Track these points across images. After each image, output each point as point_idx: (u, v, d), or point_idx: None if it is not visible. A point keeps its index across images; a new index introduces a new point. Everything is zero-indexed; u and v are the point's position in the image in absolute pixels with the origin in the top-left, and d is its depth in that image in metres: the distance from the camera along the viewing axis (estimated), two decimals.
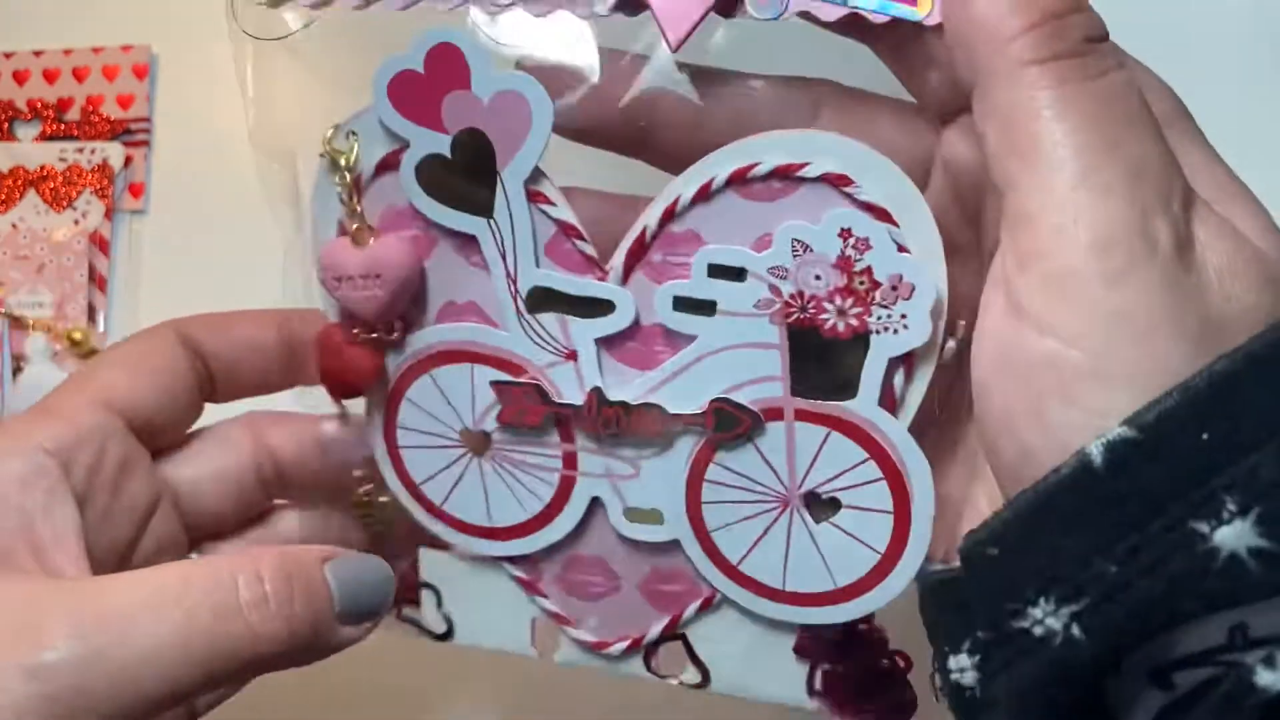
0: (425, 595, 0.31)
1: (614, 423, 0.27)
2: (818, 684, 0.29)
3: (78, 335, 0.45)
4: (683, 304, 0.26)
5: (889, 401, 0.25)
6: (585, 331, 0.27)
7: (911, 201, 0.24)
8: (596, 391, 0.27)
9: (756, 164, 0.24)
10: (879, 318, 0.25)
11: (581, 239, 0.26)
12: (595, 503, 0.29)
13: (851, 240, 0.24)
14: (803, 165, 0.24)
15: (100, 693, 0.22)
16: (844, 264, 0.24)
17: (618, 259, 0.26)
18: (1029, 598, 0.21)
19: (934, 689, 0.25)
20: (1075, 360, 0.20)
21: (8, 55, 0.48)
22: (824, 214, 0.24)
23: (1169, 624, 0.20)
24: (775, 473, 0.27)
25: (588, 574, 0.30)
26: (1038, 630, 0.21)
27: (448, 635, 0.31)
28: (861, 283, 0.24)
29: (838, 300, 0.25)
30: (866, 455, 0.26)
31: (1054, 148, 0.20)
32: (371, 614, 0.27)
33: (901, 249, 0.24)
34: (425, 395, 0.29)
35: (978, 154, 0.23)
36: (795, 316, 0.25)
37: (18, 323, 0.46)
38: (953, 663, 0.24)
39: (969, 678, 0.24)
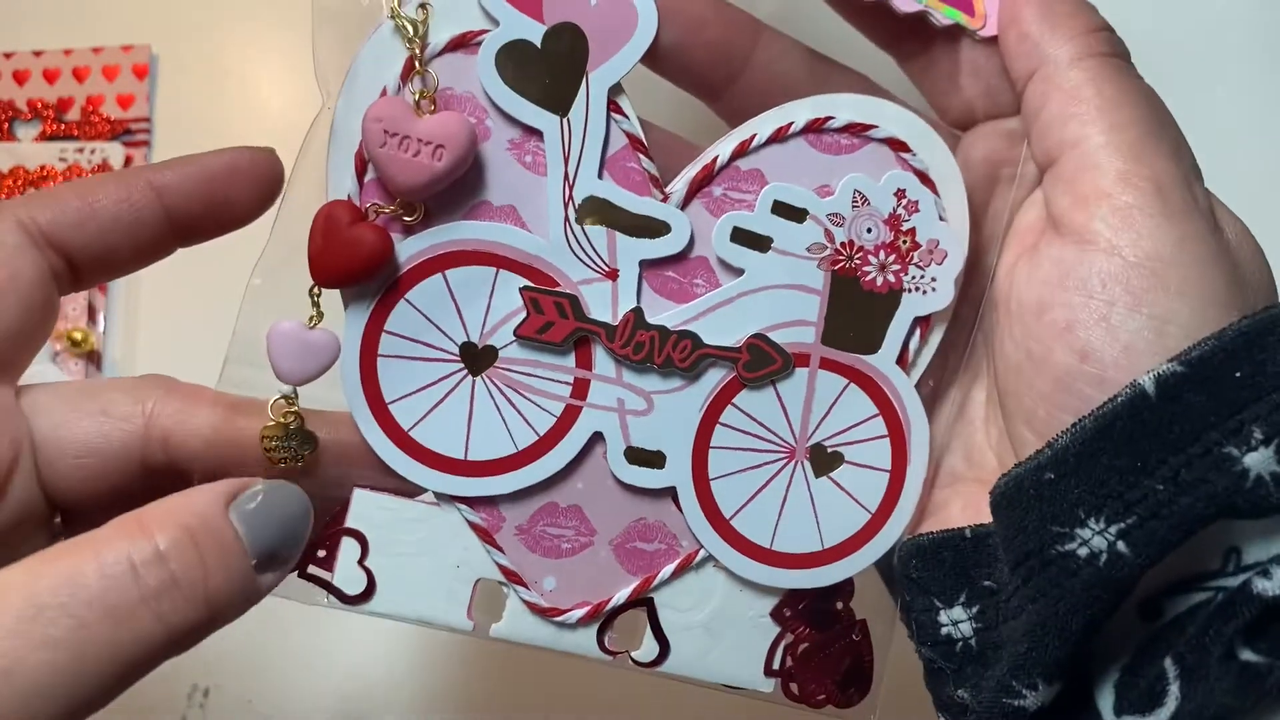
0: (345, 545, 0.27)
1: (645, 347, 0.27)
2: (776, 661, 0.28)
3: (78, 335, 0.44)
4: (740, 236, 0.27)
5: (903, 360, 0.28)
6: (633, 251, 0.27)
7: (953, 176, 0.27)
8: (636, 312, 0.27)
9: (832, 117, 0.27)
10: (913, 277, 0.27)
11: (648, 156, 0.27)
12: (595, 439, 0.27)
13: (904, 201, 0.27)
14: (872, 126, 0.27)
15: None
16: (894, 222, 0.27)
17: (679, 184, 0.27)
18: (1080, 518, 0.23)
19: (919, 650, 0.27)
20: (1143, 274, 0.24)
21: (8, 55, 0.47)
22: (883, 173, 0.27)
23: (1204, 540, 0.22)
24: (789, 420, 0.27)
25: (560, 525, 0.27)
26: (1083, 551, 0.23)
27: (364, 597, 0.27)
28: (905, 241, 0.27)
29: (882, 255, 0.27)
30: (876, 411, 0.28)
31: (1118, 114, 0.25)
32: (291, 555, 0.23)
33: (942, 218, 0.27)
34: (430, 297, 0.26)
35: (990, 153, 0.28)
36: (841, 265, 0.27)
37: None
38: (944, 617, 0.26)
39: (964, 629, 0.25)
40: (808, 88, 0.27)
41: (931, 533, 0.27)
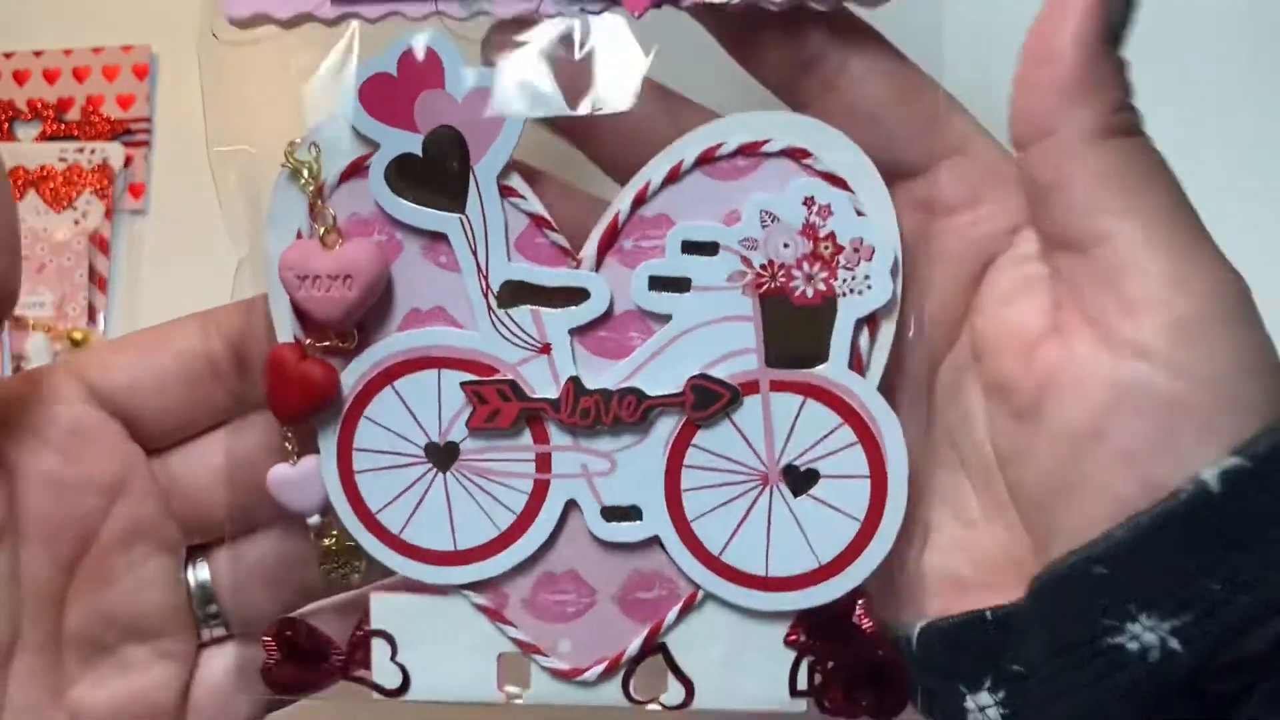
0: (376, 646, 0.29)
1: (592, 412, 0.27)
2: (801, 682, 0.28)
3: (78, 335, 0.45)
4: (658, 283, 0.27)
5: (856, 364, 0.27)
6: (559, 322, 0.27)
7: (864, 169, 0.26)
8: (574, 381, 0.27)
9: (722, 143, 0.26)
10: (844, 280, 0.26)
11: (553, 230, 0.27)
12: (570, 508, 0.28)
13: (815, 208, 0.26)
14: (765, 141, 0.26)
15: None
16: (809, 230, 0.26)
17: (590, 247, 0.27)
18: (1132, 613, 0.22)
19: None
20: (1211, 394, 0.22)
21: (8, 55, 0.47)
22: (787, 185, 0.26)
23: (1267, 638, 0.21)
24: (753, 449, 0.27)
25: (560, 591, 0.29)
26: (1133, 645, 0.22)
27: (403, 689, 0.29)
28: (826, 247, 0.26)
29: (805, 266, 0.26)
30: (841, 420, 0.27)
31: (1152, 206, 0.23)
32: None
33: (860, 213, 0.26)
34: (386, 410, 0.28)
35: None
36: (766, 286, 0.27)
37: (18, 323, 0.45)
38: (970, 702, 0.25)
39: (991, 714, 0.24)
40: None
41: (950, 616, 0.26)
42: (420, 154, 0.27)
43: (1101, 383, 0.23)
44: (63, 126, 0.47)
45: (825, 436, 0.27)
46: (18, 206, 0.25)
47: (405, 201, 0.27)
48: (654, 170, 0.27)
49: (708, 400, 0.27)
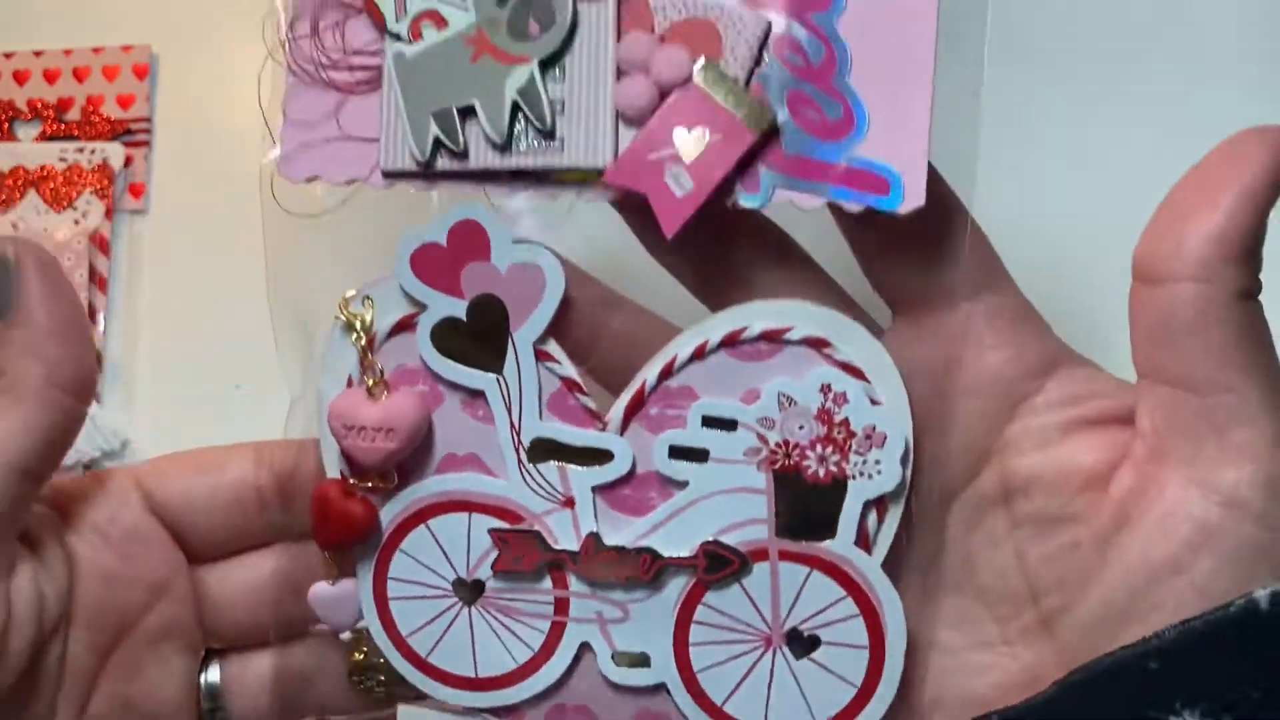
0: None
1: (609, 567, 0.29)
2: None
3: None
4: (678, 452, 0.28)
5: (863, 541, 0.28)
6: (584, 479, 0.29)
7: (882, 361, 0.27)
8: (594, 536, 0.29)
9: (746, 328, 0.28)
10: (855, 464, 0.28)
11: (582, 393, 0.29)
12: (584, 648, 0.30)
13: (831, 395, 0.28)
14: (787, 329, 0.28)
15: None
16: (824, 416, 0.28)
17: (616, 411, 0.29)
18: (1176, 708, 0.24)
19: None
20: (1274, 546, 0.24)
21: (8, 55, 0.47)
22: (806, 372, 0.28)
23: None
24: (759, 612, 0.29)
25: None
26: None
27: None
28: (840, 432, 0.28)
29: (819, 448, 0.28)
30: (844, 593, 0.28)
31: (1270, 371, 0.24)
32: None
33: (874, 402, 0.28)
34: (420, 545, 0.30)
35: (913, 343, 0.28)
36: (780, 463, 0.28)
37: None
38: None
39: None
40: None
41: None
42: (464, 318, 0.28)
43: (1191, 522, 0.25)
44: (63, 126, 0.47)
45: (829, 606, 0.29)
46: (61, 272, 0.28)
47: (448, 360, 0.29)
48: (681, 346, 0.28)
49: (718, 565, 0.29)
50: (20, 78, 0.48)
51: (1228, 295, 0.24)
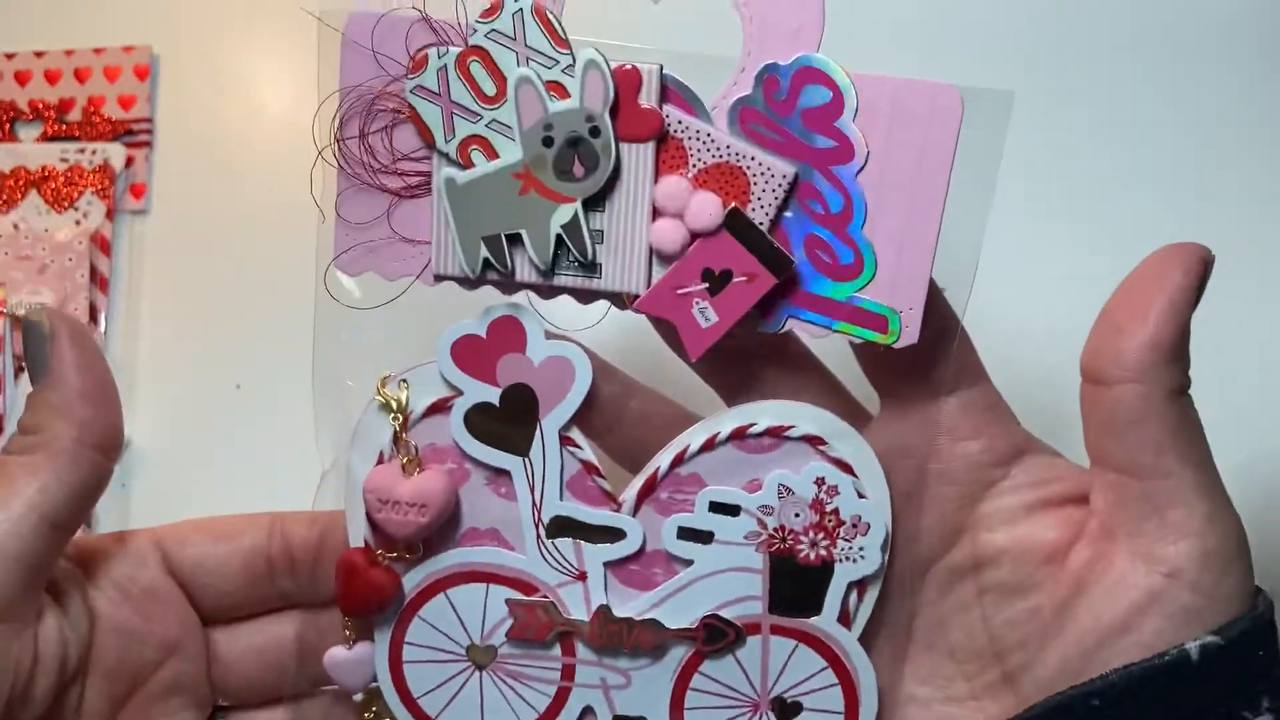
0: None
1: (616, 637, 0.32)
2: None
3: None
4: (685, 533, 0.32)
5: (844, 618, 0.32)
6: (597, 555, 0.32)
7: (868, 460, 0.31)
8: (604, 609, 0.32)
9: (753, 424, 0.31)
10: (842, 549, 0.31)
11: (600, 476, 0.32)
12: (586, 712, 0.32)
13: (824, 487, 0.31)
14: (789, 427, 0.31)
15: None
16: (818, 505, 0.31)
17: (630, 493, 0.32)
18: None
19: None
20: (1222, 613, 0.28)
21: (9, 56, 0.47)
22: (804, 466, 0.31)
23: None
24: (750, 680, 0.32)
25: None
26: None
27: None
28: (830, 521, 0.31)
29: (811, 534, 0.31)
30: (825, 664, 0.32)
31: (1201, 456, 0.28)
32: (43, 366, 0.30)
33: (861, 495, 0.31)
34: (438, 613, 0.32)
35: (898, 430, 0.31)
36: (777, 547, 0.31)
37: (19, 323, 0.44)
38: None
39: None
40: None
41: None
42: (497, 404, 0.31)
43: (1137, 590, 0.28)
44: (64, 127, 0.47)
45: (811, 676, 0.32)
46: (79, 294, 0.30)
47: (479, 442, 0.31)
48: (693, 437, 0.32)
49: (717, 637, 0.32)
50: (22, 78, 0.48)
51: (1163, 393, 0.28)
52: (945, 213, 0.28)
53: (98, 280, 0.47)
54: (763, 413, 0.31)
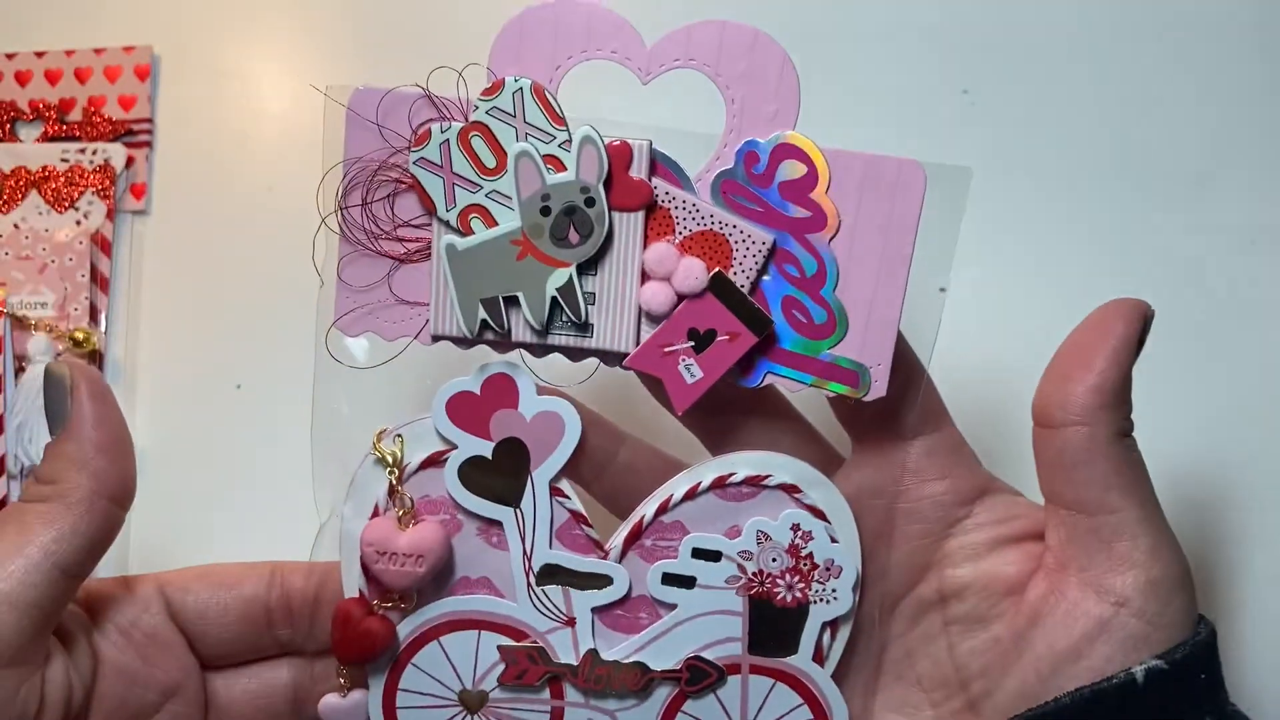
0: None
1: (604, 679, 0.33)
2: None
3: (80, 335, 0.45)
4: (669, 579, 0.33)
5: (818, 655, 0.34)
6: (585, 601, 0.33)
7: (840, 506, 0.33)
8: (592, 653, 0.33)
9: (733, 474, 0.33)
10: (816, 591, 0.33)
11: (588, 525, 0.33)
12: None
13: (800, 532, 0.33)
14: (766, 476, 0.33)
15: None
16: (793, 550, 0.33)
17: (616, 541, 0.33)
18: None
19: None
20: (1166, 636, 0.30)
21: (10, 56, 0.47)
22: (780, 512, 0.33)
23: None
24: (729, 717, 0.34)
25: None
26: None
27: None
28: (805, 564, 0.33)
29: (788, 578, 0.33)
30: (801, 700, 0.34)
31: (1145, 493, 0.31)
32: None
33: (834, 540, 0.33)
34: (431, 659, 0.33)
35: (868, 473, 0.34)
36: (755, 590, 0.33)
37: (20, 323, 0.45)
38: None
39: None
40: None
41: None
42: (489, 457, 0.33)
43: (1088, 618, 0.30)
44: (65, 127, 0.47)
45: (788, 712, 0.34)
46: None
47: (471, 495, 0.33)
48: (676, 486, 0.33)
49: (699, 677, 0.33)
50: (22, 79, 0.48)
51: (1108, 435, 0.31)
52: (910, 275, 0.31)
53: (98, 280, 0.47)
54: (742, 463, 0.33)
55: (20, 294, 0.47)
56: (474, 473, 0.33)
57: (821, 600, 0.33)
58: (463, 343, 0.32)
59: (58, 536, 0.29)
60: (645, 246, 0.31)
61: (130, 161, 0.47)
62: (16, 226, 0.47)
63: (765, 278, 0.31)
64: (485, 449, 0.33)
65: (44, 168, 0.47)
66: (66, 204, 0.47)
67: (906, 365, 0.32)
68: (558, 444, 0.33)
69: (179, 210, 0.48)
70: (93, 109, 0.48)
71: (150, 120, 0.48)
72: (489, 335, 0.31)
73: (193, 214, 0.48)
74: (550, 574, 0.33)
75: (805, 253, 0.31)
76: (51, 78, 0.48)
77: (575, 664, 0.33)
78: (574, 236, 0.30)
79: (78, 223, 0.47)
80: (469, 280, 0.31)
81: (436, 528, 0.32)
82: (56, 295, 0.46)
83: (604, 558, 0.33)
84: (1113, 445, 0.31)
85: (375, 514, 0.33)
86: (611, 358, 0.32)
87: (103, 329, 0.47)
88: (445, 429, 0.32)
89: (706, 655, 0.33)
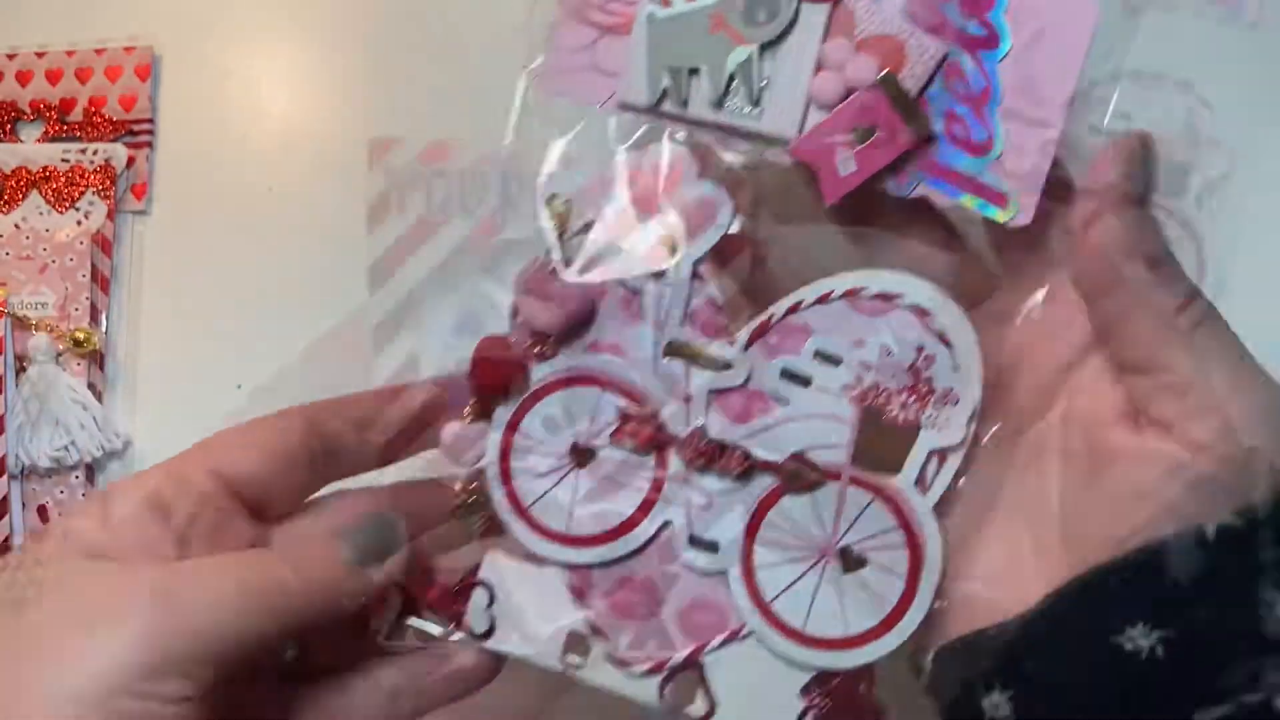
0: (477, 594, 0.36)
1: (708, 457, 0.34)
2: None
3: (81, 335, 0.46)
4: (787, 374, 0.34)
5: (922, 483, 0.34)
6: (703, 382, 0.35)
7: (967, 336, 0.34)
8: (702, 429, 0.35)
9: (866, 287, 0.35)
10: (930, 416, 0.34)
11: (720, 311, 0.35)
12: (665, 527, 0.35)
13: (923, 355, 0.34)
14: (898, 295, 0.34)
15: (179, 631, 0.29)
16: (914, 371, 0.34)
17: (743, 333, 0.35)
18: (1133, 620, 0.28)
19: None
20: (1246, 482, 0.29)
21: (10, 56, 0.48)
22: (907, 332, 0.34)
23: (1231, 663, 0.27)
24: (822, 526, 0.34)
25: (635, 594, 0.35)
26: (1130, 646, 0.28)
27: (486, 636, 0.35)
28: (923, 388, 0.34)
29: (903, 396, 0.34)
30: (896, 524, 0.34)
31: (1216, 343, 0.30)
32: (383, 552, 0.33)
33: (956, 369, 0.34)
34: (553, 408, 0.36)
35: (1007, 302, 0.34)
36: (869, 402, 0.34)
37: (21, 323, 0.46)
38: (986, 703, 0.31)
39: (1004, 710, 0.30)
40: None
41: (962, 636, 0.32)
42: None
43: (1164, 459, 0.29)
44: (65, 127, 0.47)
45: (881, 534, 0.34)
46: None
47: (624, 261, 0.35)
48: (809, 292, 0.35)
49: (799, 476, 0.34)
50: (23, 78, 0.48)
51: (1168, 313, 0.30)
52: (1073, 110, 0.32)
53: (99, 280, 0.47)
54: (877, 279, 0.35)
55: (21, 294, 0.47)
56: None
57: (934, 427, 0.34)
58: (646, 112, 0.35)
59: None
60: (825, 38, 0.33)
61: (131, 161, 0.47)
62: (17, 226, 0.47)
63: (932, 89, 0.33)
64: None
65: (45, 168, 0.47)
66: (67, 204, 0.47)
67: (1059, 193, 0.33)
68: (709, 229, 0.35)
69: (180, 210, 0.48)
70: (93, 109, 0.48)
71: (151, 120, 0.48)
72: (668, 104, 0.34)
73: (193, 214, 0.48)
74: (676, 350, 0.35)
75: (975, 70, 0.33)
76: (52, 77, 0.48)
77: (684, 435, 0.35)
78: (763, 16, 0.33)
79: (78, 223, 0.47)
80: (661, 49, 0.34)
81: (588, 285, 0.35)
82: (57, 295, 0.46)
83: (730, 344, 0.35)
84: (1162, 313, 0.30)
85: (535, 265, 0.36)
86: (776, 143, 0.34)
87: (103, 329, 0.47)
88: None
89: (811, 457, 0.34)
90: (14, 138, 0.48)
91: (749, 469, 0.34)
